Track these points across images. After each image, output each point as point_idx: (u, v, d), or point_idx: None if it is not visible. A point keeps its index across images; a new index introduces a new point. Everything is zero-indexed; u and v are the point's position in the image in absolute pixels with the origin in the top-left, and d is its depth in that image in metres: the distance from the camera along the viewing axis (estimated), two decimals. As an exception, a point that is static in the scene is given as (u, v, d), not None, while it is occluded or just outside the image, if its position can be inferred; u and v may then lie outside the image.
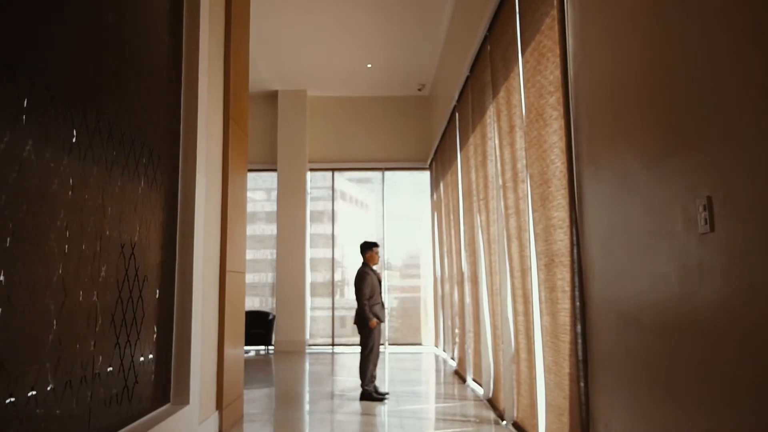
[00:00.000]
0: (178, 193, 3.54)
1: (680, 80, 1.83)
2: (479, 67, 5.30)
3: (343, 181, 10.24)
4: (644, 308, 2.09)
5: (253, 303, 10.01)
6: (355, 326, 5.55)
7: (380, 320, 5.45)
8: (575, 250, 2.80)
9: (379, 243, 5.78)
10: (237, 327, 4.59)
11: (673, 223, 1.87)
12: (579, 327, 2.74)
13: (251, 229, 10.11)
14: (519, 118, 3.88)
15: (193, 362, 3.47)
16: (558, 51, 2.99)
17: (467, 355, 6.31)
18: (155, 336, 3.22)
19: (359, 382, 5.60)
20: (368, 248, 5.62)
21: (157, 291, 3.25)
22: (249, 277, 9.99)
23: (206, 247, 3.86)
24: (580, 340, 2.73)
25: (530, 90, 3.54)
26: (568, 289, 2.91)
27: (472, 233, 5.88)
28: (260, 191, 10.30)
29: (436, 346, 9.34)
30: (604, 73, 2.44)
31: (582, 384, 2.71)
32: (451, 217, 7.33)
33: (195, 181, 3.57)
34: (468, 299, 6.25)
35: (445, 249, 8.13)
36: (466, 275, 6.34)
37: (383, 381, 6.47)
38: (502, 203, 4.44)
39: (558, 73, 3.00)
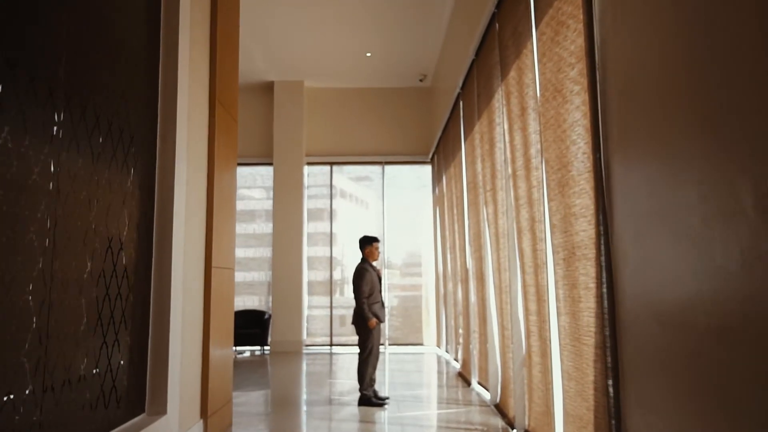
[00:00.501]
0: (155, 180, 3.19)
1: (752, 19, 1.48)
2: (486, 49, 4.94)
3: (343, 179, 9.88)
4: (694, 308, 1.74)
5: (252, 302, 9.66)
6: (353, 326, 5.20)
7: (380, 320, 5.10)
8: (602, 241, 2.45)
9: (379, 238, 5.42)
10: (225, 326, 4.25)
11: (738, 203, 1.52)
12: (608, 329, 2.39)
13: (251, 228, 9.77)
14: (533, 98, 3.53)
15: (171, 366, 3.12)
16: (581, 16, 2.64)
17: (472, 356, 5.96)
18: (128, 339, 2.87)
19: (358, 386, 5.25)
20: (367, 243, 5.27)
21: (132, 289, 2.90)
22: (248, 276, 9.66)
23: (188, 240, 3.52)
24: (608, 344, 2.38)
25: (546, 65, 3.19)
26: (593, 285, 2.56)
27: (478, 228, 5.53)
28: (259, 189, 9.94)
29: (438, 346, 8.99)
30: (642, 32, 2.08)
31: (611, 395, 2.36)
32: (455, 211, 6.99)
33: (174, 166, 3.22)
34: (473, 298, 5.90)
35: (448, 245, 7.79)
36: (471, 272, 5.99)
37: (383, 384, 6.13)
38: (512, 194, 4.09)
39: (581, 41, 2.65)
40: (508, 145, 4.19)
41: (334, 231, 9.74)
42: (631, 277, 2.19)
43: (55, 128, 2.23)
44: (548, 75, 3.15)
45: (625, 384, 2.27)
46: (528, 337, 3.85)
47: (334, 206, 9.78)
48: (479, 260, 5.51)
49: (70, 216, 2.33)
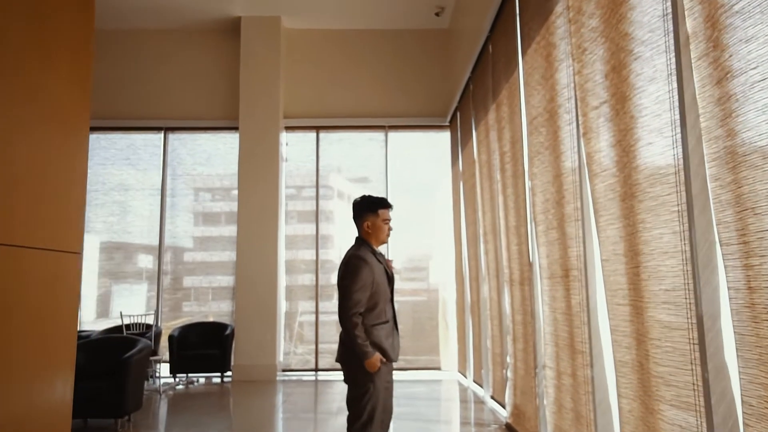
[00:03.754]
0: None
1: None
2: None
3: (340, 179, 7.50)
4: None
5: (218, 308, 7.28)
6: (340, 365, 2.80)
7: (389, 359, 2.68)
8: None
9: (390, 202, 2.97)
10: (38, 349, 1.88)
11: None
12: None
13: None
14: None
15: None
16: None
17: (541, 408, 3.58)
18: None
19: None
20: (368, 210, 2.82)
21: None
22: (215, 280, 7.29)
23: None
24: None
25: None
26: None
27: (559, 187, 3.16)
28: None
29: (464, 374, 6.59)
30: None
31: None
32: (499, 177, 4.61)
33: None
34: (543, 310, 3.52)
35: (481, 232, 5.42)
36: (537, 268, 3.62)
37: (392, 451, 3.75)
38: (711, 92, 1.74)
39: None
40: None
41: (321, 228, 7.37)
42: None
43: None
44: None
45: None
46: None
47: (331, 206, 7.42)
48: (559, 246, 3.14)
49: None
